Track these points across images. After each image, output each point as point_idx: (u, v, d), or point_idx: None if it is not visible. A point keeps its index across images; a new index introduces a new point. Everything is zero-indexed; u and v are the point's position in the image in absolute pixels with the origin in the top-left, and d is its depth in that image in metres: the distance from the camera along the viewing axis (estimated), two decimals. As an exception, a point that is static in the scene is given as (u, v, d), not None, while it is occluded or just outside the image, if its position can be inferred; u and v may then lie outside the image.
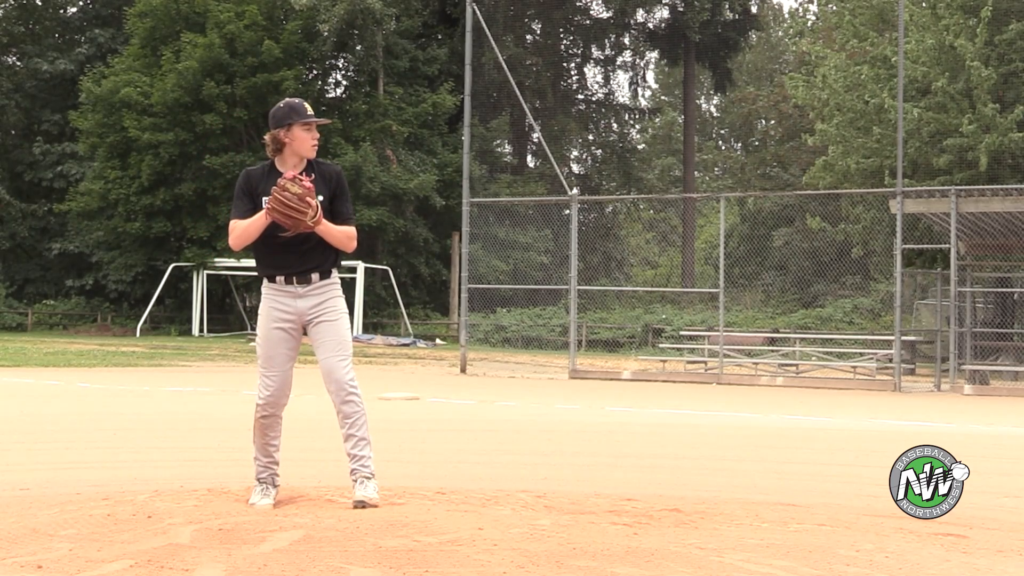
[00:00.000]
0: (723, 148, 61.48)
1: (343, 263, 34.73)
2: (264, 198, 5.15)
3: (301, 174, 5.13)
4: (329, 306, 5.28)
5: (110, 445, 8.60)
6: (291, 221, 5.05)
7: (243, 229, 5.21)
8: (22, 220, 42.20)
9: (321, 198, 5.17)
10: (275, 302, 5.28)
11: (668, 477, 7.22)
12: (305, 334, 5.37)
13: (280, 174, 5.14)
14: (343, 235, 5.25)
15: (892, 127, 23.21)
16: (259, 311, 5.36)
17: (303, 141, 5.21)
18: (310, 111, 5.26)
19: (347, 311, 5.41)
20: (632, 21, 48.81)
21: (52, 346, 26.78)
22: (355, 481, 5.22)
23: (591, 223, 46.19)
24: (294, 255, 5.21)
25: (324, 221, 5.13)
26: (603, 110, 51.24)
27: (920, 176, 24.28)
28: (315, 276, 5.26)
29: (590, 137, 51.87)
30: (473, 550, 4.18)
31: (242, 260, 36.33)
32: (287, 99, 5.37)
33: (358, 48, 39.57)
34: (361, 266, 34.73)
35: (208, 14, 36.78)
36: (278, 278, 5.26)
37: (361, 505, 5.12)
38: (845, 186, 25.31)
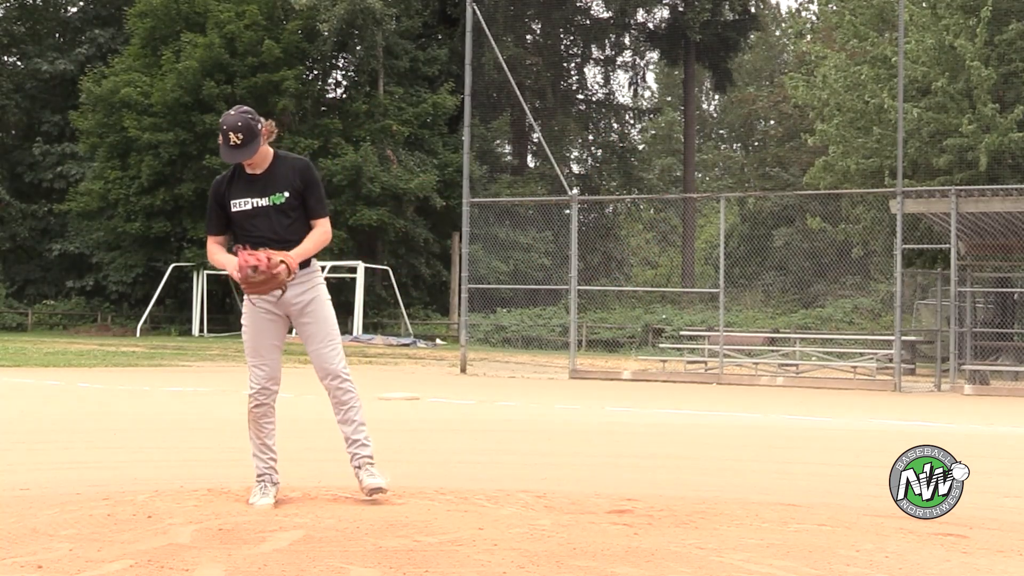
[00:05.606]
0: (723, 148, 61.49)
1: (344, 263, 34.88)
2: (233, 201, 5.18)
3: (248, 250, 5.04)
4: (311, 295, 5.30)
5: (110, 445, 8.60)
6: (268, 289, 5.08)
7: (217, 262, 5.30)
8: (22, 221, 42.21)
9: (287, 194, 5.18)
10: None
11: (668, 477, 7.22)
12: (290, 331, 5.42)
13: (246, 174, 5.19)
14: (319, 242, 5.25)
15: (892, 127, 23.20)
16: (243, 304, 5.39)
17: None
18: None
19: (330, 299, 5.42)
20: (632, 21, 48.82)
21: (52, 346, 26.77)
22: (358, 468, 5.30)
23: (591, 223, 46.18)
24: (272, 249, 5.17)
25: (293, 253, 5.10)
26: (603, 110, 51.22)
27: (920, 176, 24.27)
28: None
29: (590, 137, 51.86)
30: (473, 550, 4.18)
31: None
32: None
33: (358, 48, 39.56)
34: (361, 266, 34.76)
35: (208, 14, 36.79)
36: None
37: (377, 491, 5.20)
38: (845, 186, 25.30)
